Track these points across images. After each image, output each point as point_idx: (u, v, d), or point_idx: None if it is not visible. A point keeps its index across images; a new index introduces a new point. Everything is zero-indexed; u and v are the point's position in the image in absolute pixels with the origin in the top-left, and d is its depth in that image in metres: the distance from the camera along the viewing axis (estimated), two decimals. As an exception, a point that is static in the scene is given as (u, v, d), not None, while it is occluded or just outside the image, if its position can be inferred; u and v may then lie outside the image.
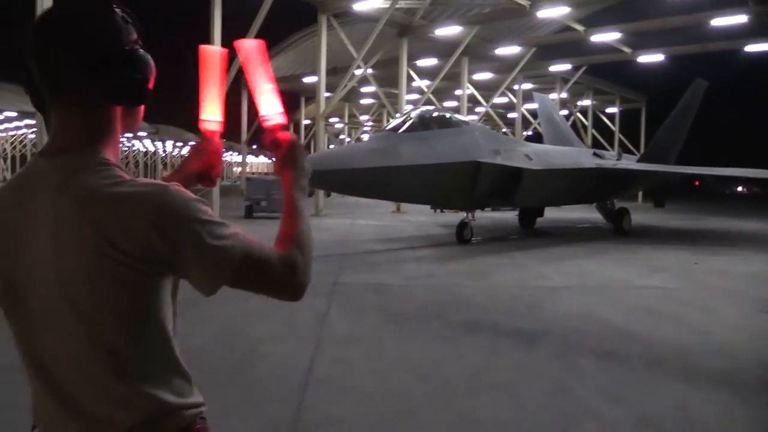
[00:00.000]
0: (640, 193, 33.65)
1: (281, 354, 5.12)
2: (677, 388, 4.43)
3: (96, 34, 1.14)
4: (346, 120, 52.85)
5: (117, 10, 1.18)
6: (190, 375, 1.22)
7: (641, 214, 22.85)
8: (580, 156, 17.21)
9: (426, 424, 3.73)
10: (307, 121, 44.91)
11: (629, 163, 18.49)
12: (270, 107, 1.39)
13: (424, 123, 12.55)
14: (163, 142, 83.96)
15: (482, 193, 13.07)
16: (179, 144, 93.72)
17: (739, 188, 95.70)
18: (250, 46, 1.38)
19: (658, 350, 5.43)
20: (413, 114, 12.94)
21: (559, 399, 4.20)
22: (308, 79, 33.18)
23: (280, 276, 1.19)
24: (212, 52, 1.44)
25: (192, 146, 1.52)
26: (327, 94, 25.17)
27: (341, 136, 54.31)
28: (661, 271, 10.18)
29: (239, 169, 79.87)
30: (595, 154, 18.40)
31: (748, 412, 4.08)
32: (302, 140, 44.51)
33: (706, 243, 15.11)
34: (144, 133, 71.29)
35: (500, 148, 13.62)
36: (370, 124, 54.10)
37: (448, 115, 13.66)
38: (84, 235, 1.08)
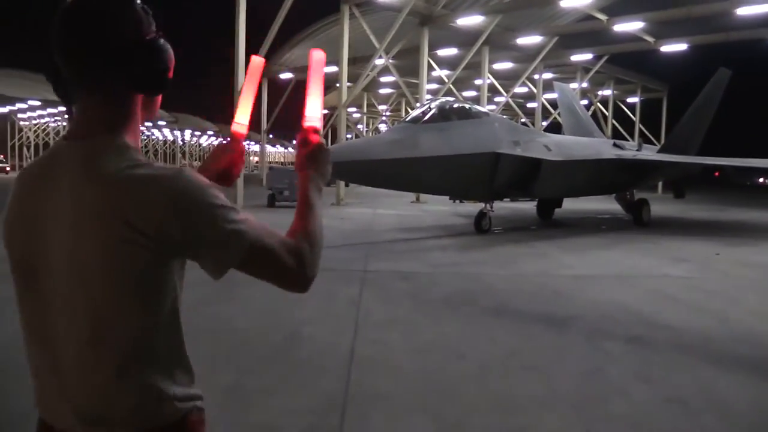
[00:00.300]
0: (660, 184, 33.47)
1: (323, 336, 5.39)
2: (703, 371, 4.64)
3: (118, 24, 1.18)
4: (365, 110, 53.03)
5: (137, 0, 1.23)
6: (192, 367, 1.26)
7: (661, 205, 22.83)
8: (599, 146, 17.17)
9: (466, 400, 3.98)
10: (324, 111, 45.09)
11: (649, 153, 18.35)
12: (314, 110, 1.49)
13: (443, 114, 12.67)
14: (182, 131, 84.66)
15: (501, 185, 13.19)
16: (197, 133, 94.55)
17: (761, 179, 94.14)
18: (319, 57, 1.53)
19: (683, 336, 5.62)
20: (433, 105, 13.04)
21: (591, 379, 4.43)
22: (327, 69, 33.42)
23: (287, 265, 1.22)
24: (257, 61, 1.63)
25: (219, 145, 1.61)
26: (347, 84, 25.38)
27: (359, 126, 54.53)
28: (684, 262, 10.30)
29: (256, 158, 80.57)
30: (615, 144, 18.32)
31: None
32: (322, 129, 44.97)
33: (727, 234, 15.15)
34: (163, 122, 72.15)
35: (519, 139, 13.71)
36: (388, 113, 54.25)
37: (467, 106, 13.79)
38: (103, 216, 1.11)
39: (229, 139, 1.62)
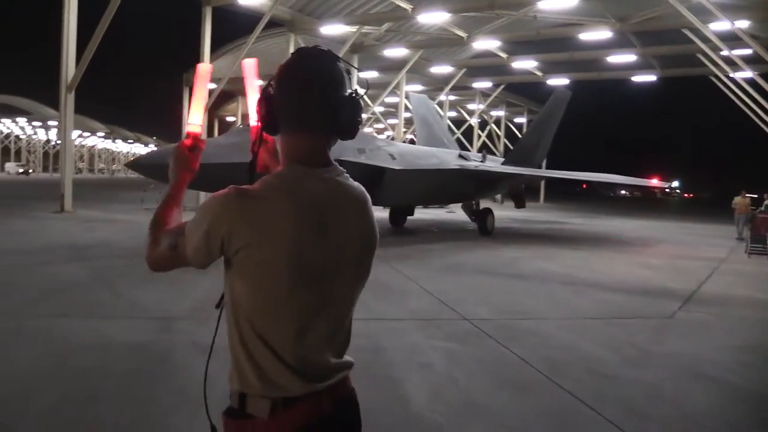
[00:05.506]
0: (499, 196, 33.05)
1: (399, 281, 9.20)
2: (606, 293, 9.01)
3: (329, 84, 1.56)
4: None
5: (340, 63, 1.59)
6: None
7: (545, 213, 28.26)
8: (444, 157, 17.62)
9: (504, 302, 8.01)
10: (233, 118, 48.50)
11: (492, 165, 19.11)
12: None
13: None
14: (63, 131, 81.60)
15: None
16: (86, 134, 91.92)
17: (622, 192, 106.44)
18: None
19: (589, 282, 9.97)
20: None
21: (554, 296, 8.67)
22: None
23: None
24: (205, 68, 1.87)
25: (183, 147, 1.78)
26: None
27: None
28: (579, 249, 15.00)
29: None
30: (460, 155, 18.96)
31: (640, 301, 8.63)
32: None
33: (598, 237, 20.34)
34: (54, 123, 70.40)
35: (365, 147, 14.22)
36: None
37: None
38: (369, 219, 1.64)
39: (188, 140, 1.77)
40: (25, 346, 5.38)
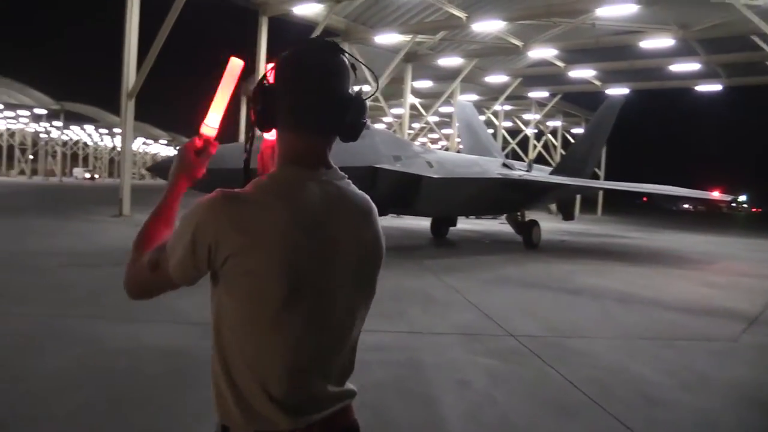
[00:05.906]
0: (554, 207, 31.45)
1: (446, 294, 8.97)
2: (665, 313, 8.50)
3: (344, 81, 1.41)
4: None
5: (344, 56, 1.43)
6: None
7: (602, 226, 27.32)
8: (487, 165, 16.75)
9: (548, 318, 7.67)
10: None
11: (537, 174, 18.11)
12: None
13: None
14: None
15: (380, 200, 14.56)
16: (149, 141, 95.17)
17: (685, 205, 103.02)
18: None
19: (646, 300, 9.48)
20: None
21: (606, 313, 8.26)
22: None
23: None
24: (236, 63, 1.60)
25: (189, 149, 1.55)
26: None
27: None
28: (636, 265, 14.37)
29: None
30: (504, 164, 17.99)
31: (701, 322, 8.11)
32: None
33: (658, 250, 19.50)
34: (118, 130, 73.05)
35: (402, 154, 13.56)
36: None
37: None
38: (374, 230, 1.47)
39: (199, 141, 1.55)
40: (63, 345, 5.42)
